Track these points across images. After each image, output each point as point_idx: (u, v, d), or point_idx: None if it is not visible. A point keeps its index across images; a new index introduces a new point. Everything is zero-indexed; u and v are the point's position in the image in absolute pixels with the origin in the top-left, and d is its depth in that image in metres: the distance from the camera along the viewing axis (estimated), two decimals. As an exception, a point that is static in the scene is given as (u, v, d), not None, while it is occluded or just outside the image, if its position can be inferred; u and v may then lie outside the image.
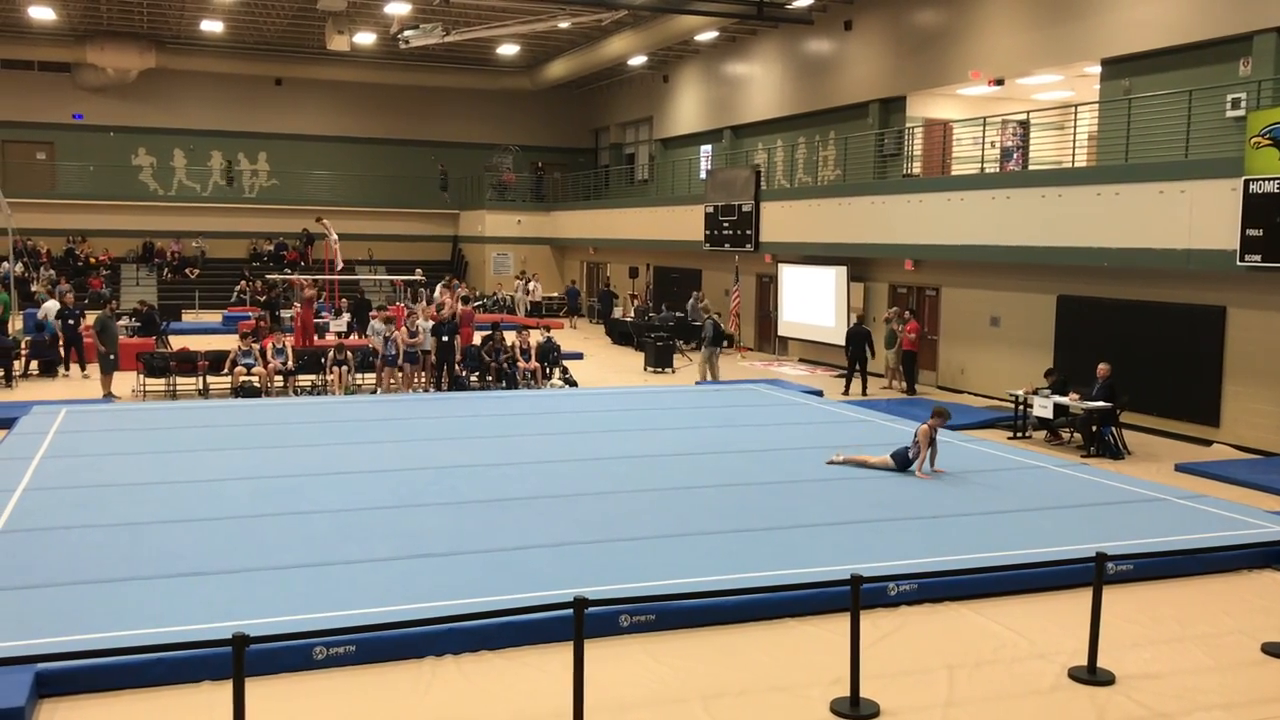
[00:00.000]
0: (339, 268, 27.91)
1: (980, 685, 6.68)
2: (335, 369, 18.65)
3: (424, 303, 23.97)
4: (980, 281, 19.77)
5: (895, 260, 21.64)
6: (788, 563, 8.45)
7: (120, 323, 24.10)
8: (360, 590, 7.67)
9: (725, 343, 21.32)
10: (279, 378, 18.30)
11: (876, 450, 12.53)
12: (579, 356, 24.09)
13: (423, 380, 19.21)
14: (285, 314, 24.90)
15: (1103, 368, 14.79)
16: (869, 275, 22.98)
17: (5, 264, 26.89)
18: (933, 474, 11.87)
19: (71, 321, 20.35)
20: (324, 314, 25.30)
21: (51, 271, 32.72)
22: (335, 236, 26.75)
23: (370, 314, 21.42)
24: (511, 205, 38.77)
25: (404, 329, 19.28)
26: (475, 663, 6.86)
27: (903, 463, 11.94)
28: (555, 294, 36.53)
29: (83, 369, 20.21)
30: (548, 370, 20.16)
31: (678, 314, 27.74)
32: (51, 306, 21.09)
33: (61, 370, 20.25)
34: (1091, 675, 6.77)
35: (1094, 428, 14.44)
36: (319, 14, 29.31)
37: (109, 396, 17.41)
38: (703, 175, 30.36)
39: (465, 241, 40.23)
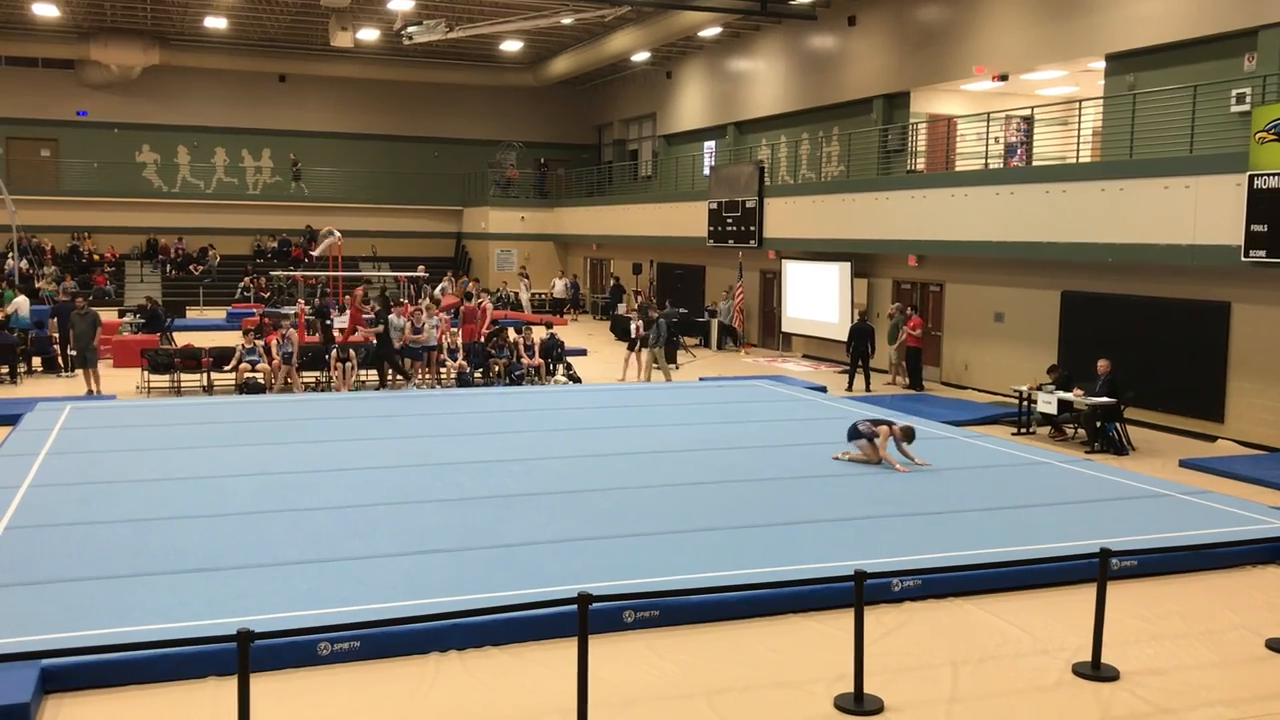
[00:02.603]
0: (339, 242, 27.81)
1: (984, 681, 6.68)
2: (339, 365, 18.66)
3: (426, 300, 23.96)
4: (984, 277, 19.75)
5: (899, 256, 21.62)
6: (791, 558, 8.46)
7: (124, 319, 24.15)
8: (365, 586, 7.68)
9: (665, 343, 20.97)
10: (283, 374, 18.32)
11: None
12: (583, 353, 24.10)
13: (427, 377, 19.23)
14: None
15: (1103, 364, 14.77)
16: (873, 271, 22.96)
17: (10, 260, 26.95)
18: (914, 467, 12.00)
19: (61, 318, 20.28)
20: (329, 311, 25.29)
21: (55, 268, 32.77)
22: (339, 235, 26.78)
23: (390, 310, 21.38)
24: (515, 202, 38.77)
25: (409, 325, 19.29)
26: (480, 658, 6.87)
27: (851, 434, 12.25)
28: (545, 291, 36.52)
29: (70, 369, 20.04)
30: (551, 367, 20.17)
31: (682, 310, 27.74)
32: (22, 302, 21.07)
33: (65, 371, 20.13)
34: (1095, 671, 6.77)
35: (1098, 424, 14.42)
36: (323, 10, 29.33)
37: (90, 394, 17.24)
38: (706, 171, 30.33)
39: (469, 238, 40.25)
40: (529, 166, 39.64)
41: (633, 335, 20.92)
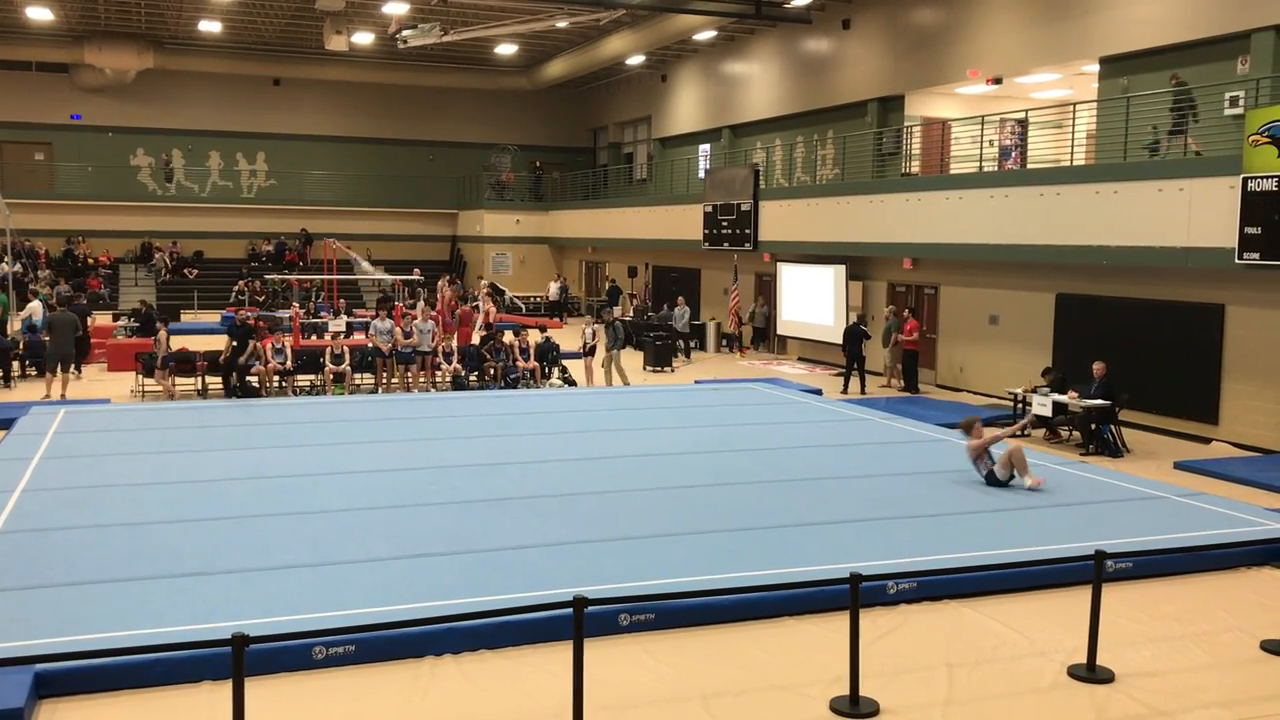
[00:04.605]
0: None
1: (980, 683, 6.68)
2: (333, 368, 18.64)
3: (421, 303, 23.96)
4: (979, 280, 19.78)
5: (894, 259, 21.65)
6: (787, 561, 8.45)
7: (119, 323, 24.10)
8: (360, 590, 7.67)
9: (624, 346, 20.47)
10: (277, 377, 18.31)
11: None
12: (578, 356, 24.06)
13: (421, 380, 19.22)
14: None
15: (1098, 366, 14.80)
16: (868, 274, 22.99)
17: (4, 265, 26.86)
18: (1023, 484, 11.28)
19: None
20: (323, 314, 25.32)
21: (49, 272, 32.68)
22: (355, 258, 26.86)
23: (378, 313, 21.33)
24: (510, 205, 38.76)
25: (400, 328, 19.29)
26: (475, 662, 6.86)
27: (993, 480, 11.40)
28: (540, 294, 36.34)
29: (78, 370, 20.03)
30: (546, 370, 20.16)
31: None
32: (36, 307, 21.02)
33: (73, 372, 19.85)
34: (1091, 673, 6.78)
35: (1093, 426, 14.45)
36: (317, 14, 29.30)
37: (63, 398, 17.18)
38: (701, 174, 30.36)
39: (464, 241, 40.22)
40: (524, 169, 39.64)
41: (589, 340, 20.49)
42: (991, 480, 11.34)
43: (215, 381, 18.29)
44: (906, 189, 20.58)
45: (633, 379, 21.10)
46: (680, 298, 27.37)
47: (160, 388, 17.85)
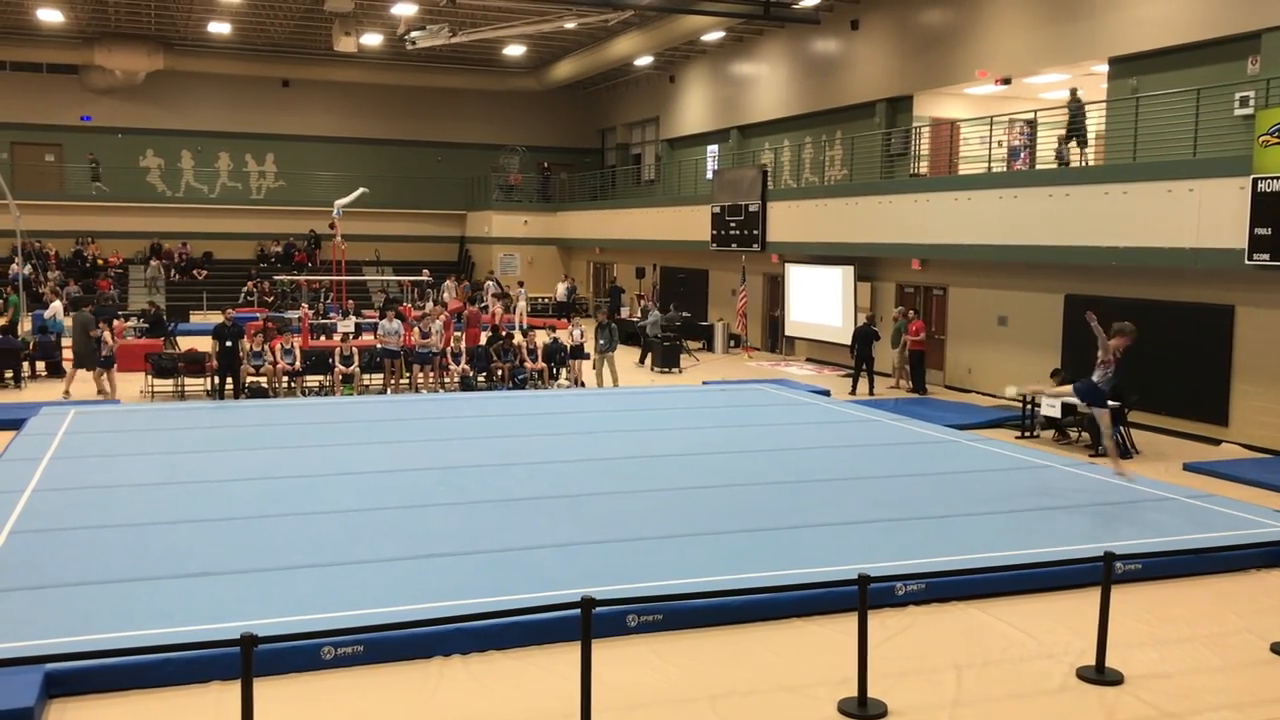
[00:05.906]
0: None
1: (988, 685, 6.67)
2: (342, 369, 18.67)
3: (430, 303, 24.02)
4: (987, 281, 19.74)
5: (902, 260, 21.61)
6: (795, 562, 8.45)
7: (129, 323, 24.19)
8: (368, 590, 7.69)
9: (615, 348, 20.31)
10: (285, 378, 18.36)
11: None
12: (585, 357, 24.05)
13: (431, 381, 19.24)
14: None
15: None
16: (876, 275, 22.95)
17: (15, 266, 26.99)
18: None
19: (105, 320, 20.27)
20: (332, 314, 25.38)
21: (59, 273, 32.82)
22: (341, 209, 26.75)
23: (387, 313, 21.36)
24: (518, 206, 38.80)
25: (416, 330, 19.32)
26: (483, 663, 6.87)
27: (1088, 394, 11.03)
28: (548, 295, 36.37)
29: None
30: (554, 371, 20.18)
31: (685, 314, 27.74)
32: (58, 307, 21.11)
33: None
34: (1099, 675, 6.76)
35: (1102, 427, 14.39)
36: (326, 15, 29.37)
37: (66, 396, 17.30)
38: (709, 175, 30.34)
39: (472, 242, 40.29)
40: (532, 170, 39.67)
41: (575, 341, 20.35)
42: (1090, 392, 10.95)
43: (197, 384, 18.28)
44: (915, 190, 20.55)
45: (641, 380, 21.12)
46: (654, 302, 27.32)
47: (153, 390, 17.92)
